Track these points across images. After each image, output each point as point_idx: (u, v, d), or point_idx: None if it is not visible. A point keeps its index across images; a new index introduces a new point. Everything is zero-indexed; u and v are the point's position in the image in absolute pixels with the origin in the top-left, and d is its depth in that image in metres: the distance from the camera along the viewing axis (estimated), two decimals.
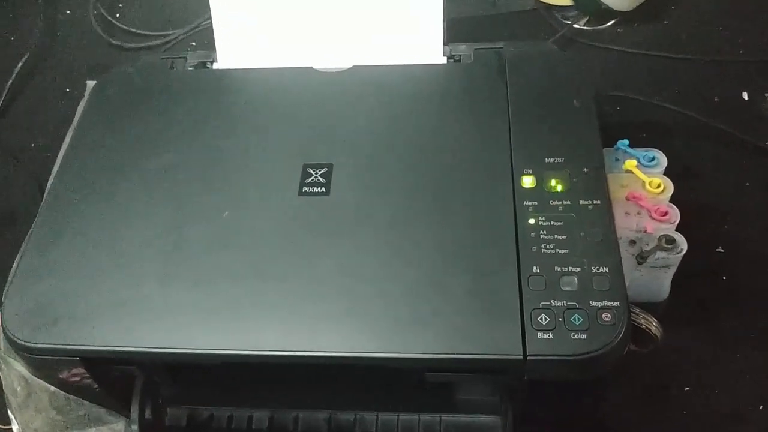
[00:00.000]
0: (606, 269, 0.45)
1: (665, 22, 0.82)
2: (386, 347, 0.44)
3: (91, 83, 0.62)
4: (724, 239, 0.63)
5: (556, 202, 0.48)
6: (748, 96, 0.74)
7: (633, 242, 0.51)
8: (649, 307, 0.49)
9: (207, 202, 0.51)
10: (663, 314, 0.51)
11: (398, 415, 0.52)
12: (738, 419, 0.55)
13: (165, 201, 0.52)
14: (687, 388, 0.57)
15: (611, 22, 0.82)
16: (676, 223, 0.52)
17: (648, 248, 0.50)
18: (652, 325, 0.49)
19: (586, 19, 0.83)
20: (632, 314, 0.46)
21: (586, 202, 0.48)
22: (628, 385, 0.56)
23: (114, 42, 0.86)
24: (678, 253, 0.50)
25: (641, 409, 0.56)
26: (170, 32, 0.86)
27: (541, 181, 0.50)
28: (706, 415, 0.56)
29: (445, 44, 0.60)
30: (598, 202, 0.48)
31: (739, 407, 0.56)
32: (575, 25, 0.82)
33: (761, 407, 0.55)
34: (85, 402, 0.53)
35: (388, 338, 0.44)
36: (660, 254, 0.50)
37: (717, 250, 0.63)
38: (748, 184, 0.67)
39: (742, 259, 0.63)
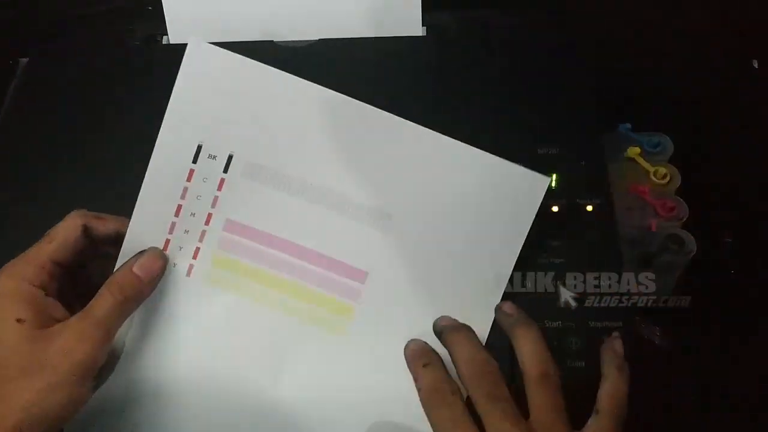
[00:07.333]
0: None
1: None
2: None
3: (23, 61, 0.55)
4: (732, 227, 0.58)
5: (550, 202, 0.42)
6: (758, 64, 0.67)
7: (635, 242, 0.45)
8: (651, 309, 0.44)
9: None
10: (666, 315, 0.46)
11: None
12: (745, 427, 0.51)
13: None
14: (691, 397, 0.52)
15: None
16: (684, 219, 0.46)
17: (653, 250, 0.45)
18: (656, 336, 0.44)
19: None
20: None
21: (583, 201, 0.42)
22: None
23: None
24: (686, 255, 0.45)
25: (643, 417, 0.51)
26: None
27: None
28: (710, 423, 0.51)
29: (424, 13, 0.52)
30: (598, 201, 0.42)
31: (746, 417, 0.51)
32: None
33: None
34: None
35: None
36: (666, 256, 0.45)
37: (725, 240, 0.57)
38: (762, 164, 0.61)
39: (751, 251, 0.57)
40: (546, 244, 0.41)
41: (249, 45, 0.53)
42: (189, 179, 0.40)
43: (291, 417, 0.40)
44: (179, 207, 0.40)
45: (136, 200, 0.40)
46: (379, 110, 0.40)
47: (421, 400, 0.36)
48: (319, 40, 0.52)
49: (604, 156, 0.45)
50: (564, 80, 0.48)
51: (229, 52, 0.39)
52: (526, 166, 0.43)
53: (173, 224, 0.40)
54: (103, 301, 0.36)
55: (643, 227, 0.46)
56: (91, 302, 0.37)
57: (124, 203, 0.41)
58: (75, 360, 0.34)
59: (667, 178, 0.47)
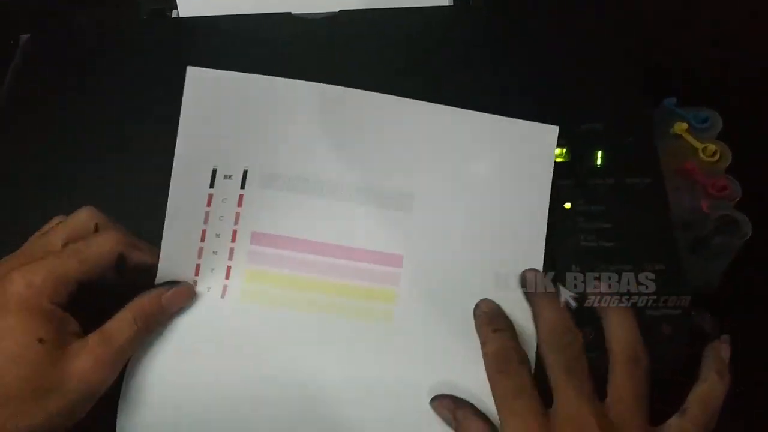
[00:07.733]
0: (663, 267, 0.36)
1: None
2: None
3: (24, 38, 0.52)
4: None
5: (596, 181, 0.39)
6: None
7: (687, 225, 0.42)
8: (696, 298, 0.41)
9: None
10: (713, 306, 0.43)
11: None
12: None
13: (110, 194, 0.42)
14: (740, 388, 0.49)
15: None
16: (737, 199, 0.43)
17: (705, 232, 0.41)
18: (707, 324, 0.41)
19: None
20: None
21: (634, 181, 0.39)
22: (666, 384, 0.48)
23: None
24: (741, 238, 0.42)
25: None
26: None
27: (575, 153, 0.40)
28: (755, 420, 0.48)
29: None
30: (649, 180, 0.39)
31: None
32: None
33: None
34: None
35: None
36: (719, 239, 0.42)
37: None
38: None
39: None
40: (594, 226, 0.38)
41: (264, 18, 0.49)
42: (209, 204, 0.39)
43: (351, 415, 0.37)
44: (204, 232, 0.39)
45: (142, 181, 0.40)
46: (374, 93, 0.40)
47: (486, 365, 0.35)
48: (340, 11, 0.49)
49: (651, 132, 0.41)
50: (604, 52, 0.45)
51: (228, 72, 0.39)
52: (567, 141, 0.40)
53: (201, 249, 0.39)
54: (124, 328, 0.35)
55: (693, 208, 0.42)
56: (111, 324, 0.35)
57: (130, 184, 0.40)
58: (89, 385, 0.34)
59: (717, 156, 0.44)
